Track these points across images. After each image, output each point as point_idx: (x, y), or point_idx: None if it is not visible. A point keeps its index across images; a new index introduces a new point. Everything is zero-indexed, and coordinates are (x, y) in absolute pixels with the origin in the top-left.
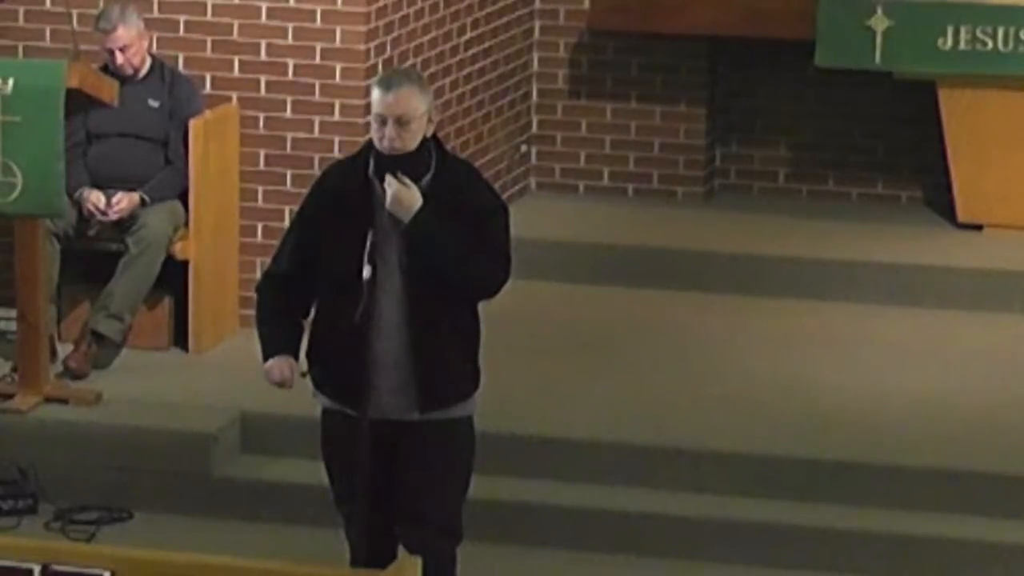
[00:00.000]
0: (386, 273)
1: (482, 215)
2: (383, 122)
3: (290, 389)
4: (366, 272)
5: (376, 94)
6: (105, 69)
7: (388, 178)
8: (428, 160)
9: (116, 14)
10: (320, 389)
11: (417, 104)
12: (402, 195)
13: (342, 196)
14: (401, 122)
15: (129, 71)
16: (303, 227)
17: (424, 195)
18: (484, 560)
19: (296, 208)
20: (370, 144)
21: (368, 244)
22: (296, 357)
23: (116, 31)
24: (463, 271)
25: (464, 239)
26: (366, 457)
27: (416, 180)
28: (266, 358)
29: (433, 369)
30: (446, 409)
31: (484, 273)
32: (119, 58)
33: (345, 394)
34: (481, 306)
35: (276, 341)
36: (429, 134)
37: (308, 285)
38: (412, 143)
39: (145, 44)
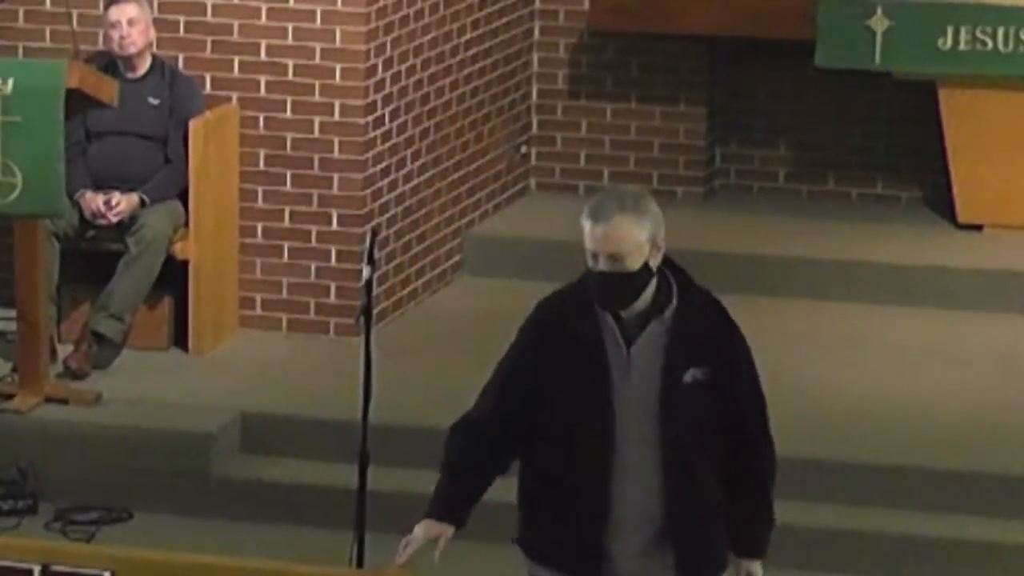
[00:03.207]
0: (627, 417)
1: (741, 370)
2: (595, 257)
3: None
4: (604, 421)
5: (586, 225)
6: (105, 70)
7: None
8: (667, 290)
9: None
10: (534, 558)
11: (634, 237)
12: None
13: (568, 334)
14: (615, 259)
15: (131, 50)
16: (516, 372)
17: (669, 332)
18: (488, 560)
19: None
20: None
21: (607, 387)
22: (460, 524)
23: (130, 2)
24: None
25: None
26: None
27: (643, 309)
28: (427, 514)
29: (692, 529)
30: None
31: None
32: (124, 29)
33: (571, 562)
34: (479, 306)
35: (443, 501)
36: (657, 262)
37: (509, 437)
38: (632, 267)
39: (150, 36)
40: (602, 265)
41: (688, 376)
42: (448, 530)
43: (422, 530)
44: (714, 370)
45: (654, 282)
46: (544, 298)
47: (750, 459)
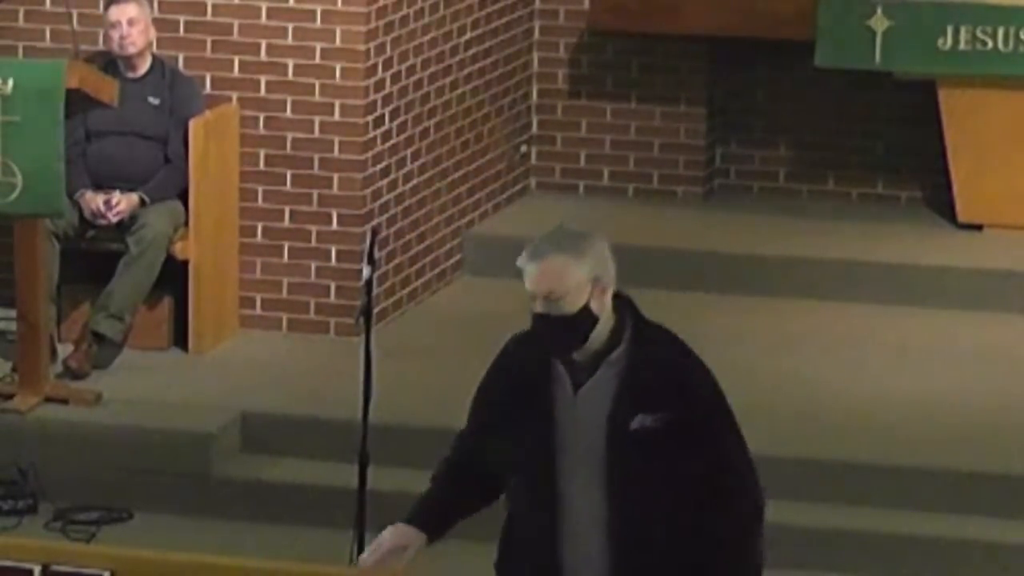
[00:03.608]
0: (573, 460)
1: (698, 418)
2: (533, 297)
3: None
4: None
5: (522, 265)
6: (105, 69)
7: None
8: (621, 329)
9: None
10: None
11: (570, 276)
12: None
13: (521, 374)
14: (551, 299)
15: (131, 50)
16: (477, 407)
17: (618, 376)
18: (487, 560)
19: None
20: None
21: (551, 429)
22: (432, 533)
23: (130, 2)
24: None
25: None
26: None
27: (588, 353)
28: (405, 518)
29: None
30: None
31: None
32: (124, 29)
33: None
34: (480, 306)
35: (421, 506)
36: (603, 304)
37: (481, 472)
38: (570, 309)
39: (150, 36)
40: (540, 307)
41: (636, 423)
42: (415, 540)
43: (390, 533)
44: (666, 417)
45: (607, 325)
46: (515, 334)
47: (709, 513)
